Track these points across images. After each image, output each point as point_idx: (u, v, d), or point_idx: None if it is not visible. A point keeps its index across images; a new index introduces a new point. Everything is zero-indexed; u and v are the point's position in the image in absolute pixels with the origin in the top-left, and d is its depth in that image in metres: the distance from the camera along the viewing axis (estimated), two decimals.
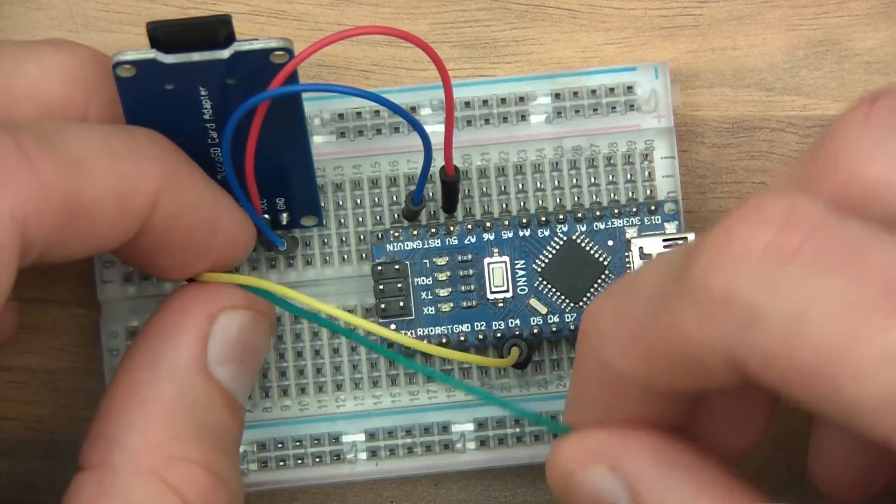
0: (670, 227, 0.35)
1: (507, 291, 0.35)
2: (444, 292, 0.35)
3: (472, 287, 0.35)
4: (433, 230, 0.35)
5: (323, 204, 0.36)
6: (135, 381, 0.31)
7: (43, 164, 0.28)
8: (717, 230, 0.25)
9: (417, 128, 0.32)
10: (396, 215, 0.36)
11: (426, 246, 0.35)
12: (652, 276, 0.27)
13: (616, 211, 0.35)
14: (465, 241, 0.35)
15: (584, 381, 0.30)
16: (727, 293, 0.24)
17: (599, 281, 0.35)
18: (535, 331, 0.35)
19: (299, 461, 0.36)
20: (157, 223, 0.31)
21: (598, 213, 0.35)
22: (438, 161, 0.34)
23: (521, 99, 0.36)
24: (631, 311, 0.27)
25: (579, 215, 0.35)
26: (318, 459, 0.36)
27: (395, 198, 0.36)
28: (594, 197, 0.36)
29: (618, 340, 0.27)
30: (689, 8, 0.38)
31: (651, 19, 0.38)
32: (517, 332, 0.35)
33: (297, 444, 0.36)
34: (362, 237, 0.36)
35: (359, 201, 0.36)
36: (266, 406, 0.36)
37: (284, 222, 0.35)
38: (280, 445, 0.36)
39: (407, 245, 0.35)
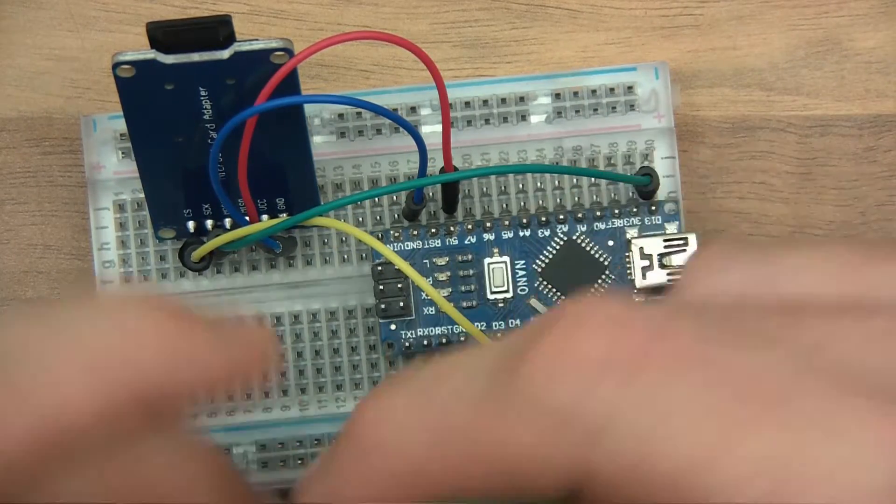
0: (671, 228, 0.35)
1: (507, 291, 0.35)
2: (444, 292, 0.35)
3: (473, 287, 0.35)
4: (433, 230, 0.35)
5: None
6: None
7: None
8: (545, 339, 0.22)
9: (408, 128, 0.32)
10: (397, 215, 0.36)
11: (426, 246, 0.35)
12: (459, 374, 0.24)
13: (616, 211, 0.35)
14: (466, 241, 0.35)
15: (356, 482, 0.25)
16: (570, 408, 0.22)
17: (599, 281, 0.35)
18: None
19: (300, 461, 0.36)
20: None
21: (598, 214, 0.35)
22: (438, 161, 0.34)
23: (522, 99, 0.36)
24: (437, 415, 0.24)
25: (579, 215, 0.35)
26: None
27: (395, 198, 0.36)
28: (594, 197, 0.36)
29: (416, 451, 0.24)
30: (689, 8, 0.38)
31: (651, 19, 0.38)
32: None
33: (298, 444, 0.36)
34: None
35: (359, 202, 0.36)
36: (267, 406, 0.36)
37: None
38: (280, 446, 0.36)
39: (407, 245, 0.35)
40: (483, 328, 0.35)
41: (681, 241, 0.35)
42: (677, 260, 0.35)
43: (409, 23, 0.38)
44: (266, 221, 0.33)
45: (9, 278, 0.37)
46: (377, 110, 0.32)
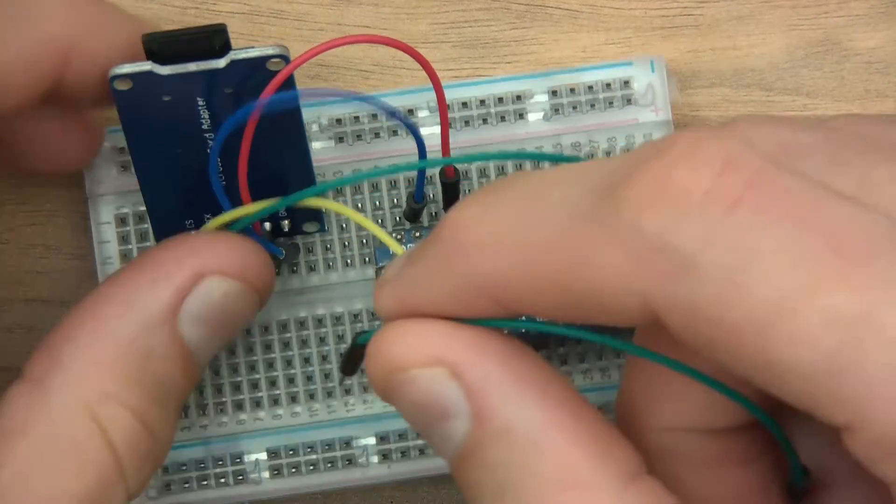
0: None
1: None
2: None
3: None
4: None
5: (324, 209, 0.36)
6: (99, 311, 0.31)
7: None
8: (652, 166, 0.23)
9: (407, 124, 0.32)
10: (398, 218, 0.36)
11: None
12: (560, 190, 0.24)
13: None
14: None
15: (436, 281, 0.26)
16: (662, 238, 0.22)
17: None
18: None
19: (311, 467, 0.36)
20: (73, 78, 0.31)
21: None
22: None
23: (518, 97, 0.36)
24: (528, 227, 0.25)
25: None
26: (330, 465, 0.36)
27: (395, 200, 0.36)
28: None
29: (503, 259, 0.25)
30: (689, 8, 0.38)
31: (651, 19, 0.38)
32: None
33: (309, 449, 0.36)
34: (364, 241, 0.36)
35: (360, 205, 0.36)
36: (276, 413, 0.36)
37: (286, 229, 0.35)
38: (292, 452, 0.36)
39: (409, 246, 0.35)
40: None
41: None
42: None
43: (409, 23, 0.38)
44: (260, 202, 0.33)
45: (9, 278, 0.37)
46: (371, 101, 0.32)
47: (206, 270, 0.31)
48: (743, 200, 0.22)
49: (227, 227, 0.33)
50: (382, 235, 0.32)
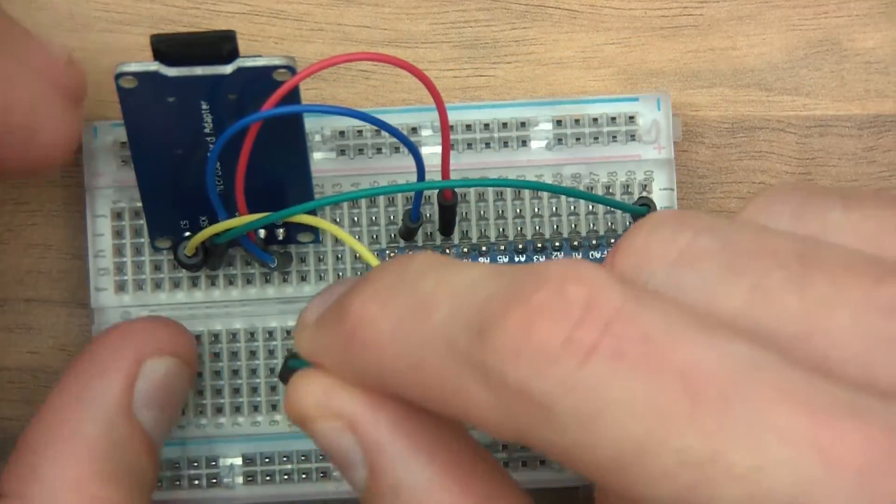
0: None
1: None
2: None
3: None
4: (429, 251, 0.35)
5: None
6: (61, 417, 0.32)
7: None
8: (517, 314, 0.24)
9: (408, 144, 0.32)
10: (393, 235, 0.36)
11: None
12: (445, 307, 0.26)
13: (612, 240, 0.35)
14: None
15: (337, 360, 0.28)
16: (523, 386, 0.24)
17: None
18: None
19: (286, 477, 0.36)
20: None
21: (594, 242, 0.35)
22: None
23: (523, 124, 0.36)
24: (416, 342, 0.26)
25: (575, 243, 0.35)
26: (304, 476, 0.36)
27: (392, 217, 0.36)
28: (591, 225, 0.36)
29: (394, 366, 0.27)
30: (688, 8, 0.38)
31: (651, 19, 0.38)
32: None
33: (285, 459, 0.36)
34: (357, 255, 0.36)
35: (356, 219, 0.36)
36: (255, 420, 0.36)
37: (281, 237, 0.35)
38: (267, 460, 0.36)
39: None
40: None
41: None
42: None
43: (409, 23, 0.38)
44: (252, 215, 0.33)
45: (9, 278, 0.37)
46: (376, 123, 0.32)
47: (145, 354, 0.33)
48: (598, 348, 0.23)
49: (217, 237, 0.33)
50: (364, 252, 0.32)
